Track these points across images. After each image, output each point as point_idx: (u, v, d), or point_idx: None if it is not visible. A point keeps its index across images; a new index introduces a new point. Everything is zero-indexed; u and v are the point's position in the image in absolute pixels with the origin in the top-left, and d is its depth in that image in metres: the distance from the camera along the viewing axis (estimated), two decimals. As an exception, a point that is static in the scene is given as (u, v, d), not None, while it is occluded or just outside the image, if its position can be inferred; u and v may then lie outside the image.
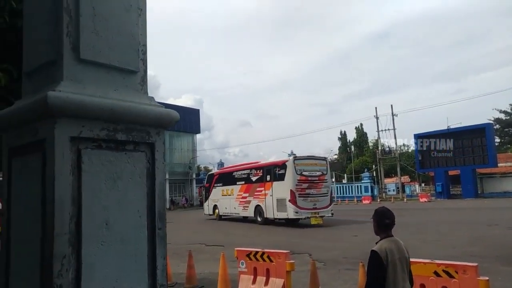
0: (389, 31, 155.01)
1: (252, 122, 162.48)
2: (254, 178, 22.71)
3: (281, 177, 20.15)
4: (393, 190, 56.19)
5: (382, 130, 53.45)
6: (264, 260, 7.22)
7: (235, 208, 24.10)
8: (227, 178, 25.75)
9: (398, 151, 55.76)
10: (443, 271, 5.32)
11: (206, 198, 28.32)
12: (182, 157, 51.68)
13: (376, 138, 59.14)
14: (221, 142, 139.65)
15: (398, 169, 52.69)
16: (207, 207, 27.74)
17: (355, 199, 47.82)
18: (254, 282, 7.31)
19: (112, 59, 1.53)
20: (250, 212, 22.72)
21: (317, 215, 19.25)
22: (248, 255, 7.45)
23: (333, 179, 53.82)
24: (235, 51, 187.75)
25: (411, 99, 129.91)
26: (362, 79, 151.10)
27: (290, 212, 19.17)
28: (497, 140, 65.19)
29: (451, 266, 5.34)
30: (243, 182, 23.61)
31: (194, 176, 52.84)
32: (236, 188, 24.12)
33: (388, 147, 55.11)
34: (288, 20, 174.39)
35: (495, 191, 42.89)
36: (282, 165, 20.35)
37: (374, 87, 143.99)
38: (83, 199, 1.32)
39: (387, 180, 60.47)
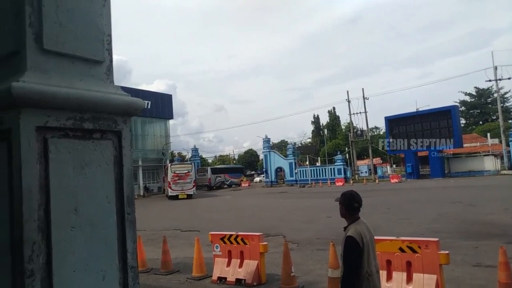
0: (360, 15, 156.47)
1: (226, 107, 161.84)
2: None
3: (167, 174, 37.54)
4: (366, 172, 57.57)
5: (354, 114, 54.47)
6: (238, 243, 7.36)
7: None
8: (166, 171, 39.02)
9: (370, 134, 57.00)
10: (407, 247, 5.61)
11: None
12: (155, 143, 50.89)
13: (348, 121, 60.22)
14: (195, 127, 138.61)
15: (370, 151, 53.95)
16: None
17: (329, 181, 48.72)
18: (228, 264, 7.46)
19: (77, 50, 1.54)
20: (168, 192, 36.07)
21: (184, 193, 35.05)
22: (222, 239, 7.57)
23: (307, 162, 54.66)
24: (207, 35, 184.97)
25: (381, 83, 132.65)
26: (334, 64, 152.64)
27: (168, 191, 36.40)
28: (463, 121, 67.82)
29: (414, 242, 5.63)
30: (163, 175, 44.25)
31: (167, 162, 52.45)
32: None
33: (360, 129, 56.24)
34: (259, 4, 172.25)
35: (460, 171, 44.73)
36: (166, 168, 39.81)
37: (346, 71, 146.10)
38: (51, 187, 1.35)
39: (359, 162, 61.81)
